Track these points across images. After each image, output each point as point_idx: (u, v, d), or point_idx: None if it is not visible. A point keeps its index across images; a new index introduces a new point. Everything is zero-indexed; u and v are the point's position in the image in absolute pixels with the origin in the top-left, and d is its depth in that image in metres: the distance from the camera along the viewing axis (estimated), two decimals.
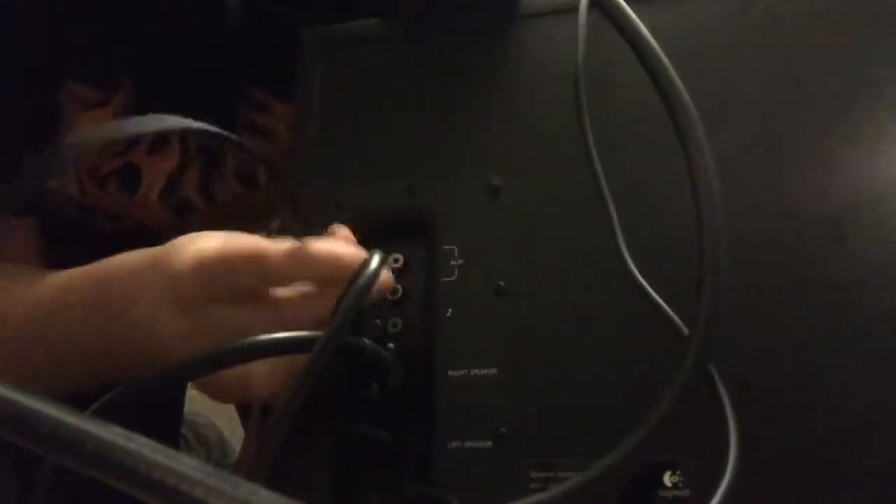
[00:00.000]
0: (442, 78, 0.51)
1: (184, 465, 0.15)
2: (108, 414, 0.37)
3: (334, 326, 0.38)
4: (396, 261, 0.47)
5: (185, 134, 0.68)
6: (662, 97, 0.36)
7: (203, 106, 0.68)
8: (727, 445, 0.35)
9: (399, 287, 0.46)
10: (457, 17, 0.51)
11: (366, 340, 0.43)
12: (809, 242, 0.40)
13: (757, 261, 0.41)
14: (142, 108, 0.66)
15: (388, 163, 0.50)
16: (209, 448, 1.11)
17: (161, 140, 0.67)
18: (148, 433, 0.16)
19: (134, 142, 0.67)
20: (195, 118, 0.68)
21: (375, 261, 0.41)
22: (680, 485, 0.39)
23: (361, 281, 0.39)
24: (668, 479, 0.39)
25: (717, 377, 0.37)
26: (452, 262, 0.46)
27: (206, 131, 0.44)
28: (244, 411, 1.04)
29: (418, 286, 0.47)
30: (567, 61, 0.46)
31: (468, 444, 0.43)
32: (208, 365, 0.39)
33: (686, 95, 0.36)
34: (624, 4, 0.39)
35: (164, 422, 0.85)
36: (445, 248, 0.46)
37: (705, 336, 0.34)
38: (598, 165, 0.43)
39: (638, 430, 0.34)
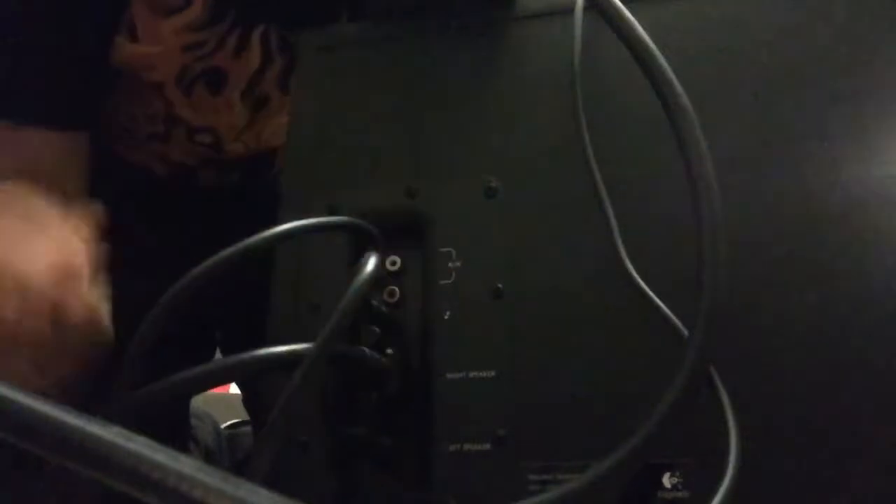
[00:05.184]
0: (438, 79, 0.51)
1: (184, 465, 0.15)
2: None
3: (328, 332, 0.36)
4: (394, 263, 0.47)
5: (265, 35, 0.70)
6: (660, 97, 0.36)
7: (289, 7, 0.69)
8: (727, 446, 0.35)
9: (397, 290, 0.46)
10: (453, 18, 0.51)
11: (364, 349, 0.43)
12: (809, 242, 0.40)
13: (756, 261, 0.41)
14: (222, 11, 0.68)
15: (385, 165, 0.50)
16: (208, 448, 1.12)
17: (243, 43, 0.70)
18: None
19: (218, 46, 0.70)
20: (279, 22, 0.70)
21: (371, 264, 0.39)
22: (679, 486, 0.39)
23: (356, 286, 0.38)
24: (667, 480, 0.39)
25: (716, 377, 0.37)
26: (450, 265, 0.46)
27: None
28: (252, 411, 1.05)
29: (416, 289, 0.46)
30: (564, 62, 0.46)
31: (467, 446, 0.42)
32: (196, 383, 0.36)
33: (684, 96, 0.36)
34: (620, 5, 0.39)
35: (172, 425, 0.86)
36: (443, 250, 0.46)
37: (704, 337, 0.34)
38: (595, 167, 0.43)
39: (637, 431, 0.34)
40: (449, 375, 0.44)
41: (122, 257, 0.70)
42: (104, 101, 0.72)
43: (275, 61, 0.73)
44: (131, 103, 0.74)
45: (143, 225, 0.81)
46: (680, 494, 0.39)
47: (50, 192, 0.60)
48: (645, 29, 0.38)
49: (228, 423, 1.25)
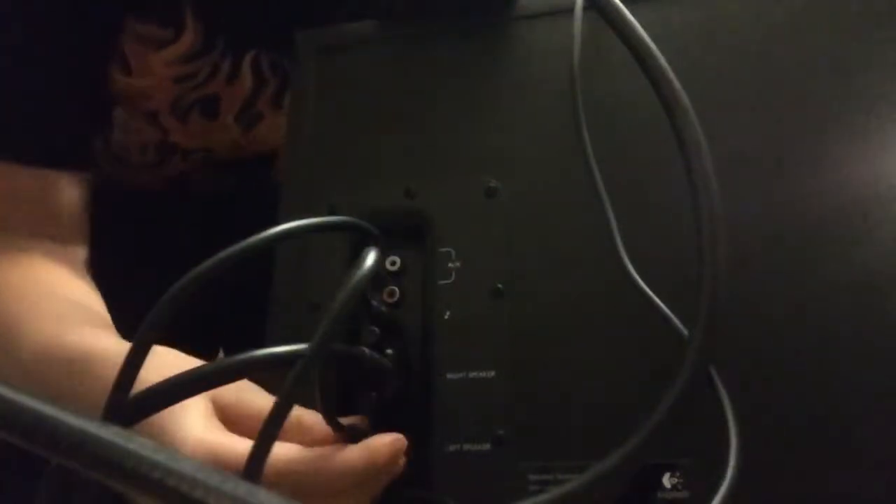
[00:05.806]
0: (438, 80, 0.51)
1: (184, 465, 0.15)
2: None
3: (327, 326, 0.35)
4: (394, 264, 0.47)
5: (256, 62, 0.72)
6: (660, 98, 0.36)
7: (276, 31, 0.69)
8: (727, 446, 0.35)
9: (397, 290, 0.46)
10: (452, 18, 0.51)
11: (364, 349, 0.43)
12: (809, 243, 0.40)
13: (756, 261, 0.41)
14: (212, 42, 0.69)
15: (385, 165, 0.50)
16: None
17: (235, 70, 0.71)
18: None
19: (211, 75, 0.71)
20: (267, 46, 0.71)
21: (370, 259, 0.38)
22: (679, 486, 0.39)
23: (351, 285, 0.36)
24: (667, 480, 0.39)
25: (716, 378, 0.37)
26: (450, 265, 0.46)
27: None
28: None
29: (416, 289, 0.46)
30: (564, 62, 0.46)
31: (466, 446, 0.42)
32: (196, 385, 0.37)
33: (683, 95, 0.36)
34: (620, 5, 0.39)
35: None
36: (442, 250, 0.46)
37: (705, 337, 0.34)
38: (594, 167, 0.43)
39: (638, 432, 0.34)
40: (449, 375, 0.44)
41: (121, 262, 0.71)
42: (96, 136, 0.72)
43: (268, 83, 0.73)
44: (125, 133, 0.74)
45: (142, 230, 0.82)
46: (680, 494, 0.39)
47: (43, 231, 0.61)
48: (645, 29, 0.38)
49: None
